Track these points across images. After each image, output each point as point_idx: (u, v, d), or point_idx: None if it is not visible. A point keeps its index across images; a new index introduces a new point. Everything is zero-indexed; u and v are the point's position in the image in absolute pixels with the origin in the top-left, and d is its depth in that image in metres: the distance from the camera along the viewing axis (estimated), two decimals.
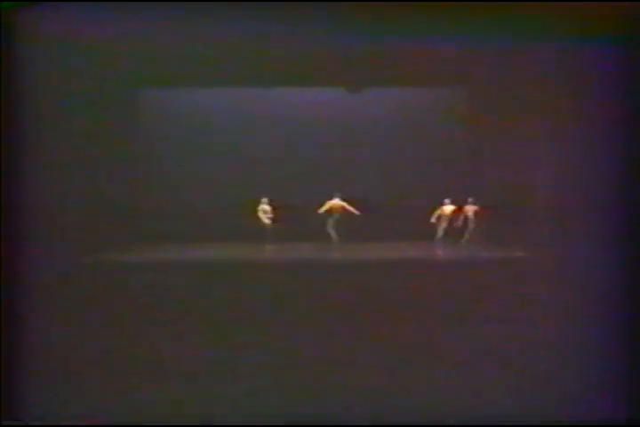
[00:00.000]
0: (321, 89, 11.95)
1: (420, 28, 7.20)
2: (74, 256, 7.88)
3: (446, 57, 8.26)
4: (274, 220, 11.68)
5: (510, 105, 10.19)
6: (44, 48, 6.87)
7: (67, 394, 6.33)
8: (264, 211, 11.71)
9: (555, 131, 8.46)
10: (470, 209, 12.00)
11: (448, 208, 12.11)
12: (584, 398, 6.24)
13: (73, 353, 6.72)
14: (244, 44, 7.85)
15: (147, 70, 9.41)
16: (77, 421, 6.01)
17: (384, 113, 12.33)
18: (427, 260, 10.13)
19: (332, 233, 11.81)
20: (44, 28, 6.75)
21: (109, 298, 7.46)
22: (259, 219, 11.59)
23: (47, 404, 6.18)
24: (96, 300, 7.37)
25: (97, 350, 6.84)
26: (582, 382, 6.45)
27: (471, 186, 12.13)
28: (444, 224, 12.08)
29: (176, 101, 12.35)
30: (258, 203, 11.71)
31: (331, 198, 11.94)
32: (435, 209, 12.10)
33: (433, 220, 11.98)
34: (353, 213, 11.73)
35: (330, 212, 11.93)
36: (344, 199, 11.96)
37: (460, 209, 12.05)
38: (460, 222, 11.98)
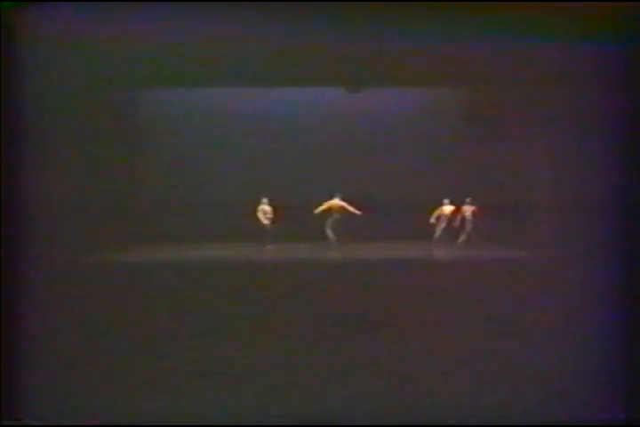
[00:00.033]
0: (321, 89, 11.95)
1: (420, 28, 7.20)
2: (74, 256, 7.87)
3: (446, 57, 8.25)
4: (274, 220, 11.68)
5: (510, 105, 10.19)
6: (44, 48, 6.87)
7: (67, 394, 6.33)
8: (264, 211, 11.71)
9: (554, 131, 8.46)
10: (468, 209, 12.02)
11: (447, 208, 12.13)
12: (584, 398, 6.24)
13: (73, 353, 6.72)
14: (243, 43, 7.84)
15: (147, 70, 9.39)
16: (77, 421, 6.01)
17: (384, 113, 12.33)
18: (421, 260, 10.13)
19: (330, 233, 11.82)
20: (44, 28, 6.74)
21: (109, 298, 7.46)
22: (258, 219, 11.59)
23: (47, 404, 6.18)
24: (96, 300, 7.37)
25: (97, 350, 6.85)
26: (582, 382, 6.45)
27: (471, 186, 12.13)
28: (443, 224, 12.09)
29: (176, 101, 12.34)
30: (258, 203, 11.71)
31: (331, 198, 11.96)
32: (434, 209, 12.12)
33: (432, 220, 11.99)
34: (353, 213, 11.74)
35: (329, 212, 11.94)
36: (344, 199, 11.98)
37: (458, 209, 12.07)
38: (457, 223, 12.00)
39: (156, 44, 7.77)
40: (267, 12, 6.77)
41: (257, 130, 12.28)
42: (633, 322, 6.42)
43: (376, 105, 12.27)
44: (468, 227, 11.97)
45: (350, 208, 11.85)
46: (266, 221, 11.69)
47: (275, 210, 11.76)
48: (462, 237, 11.88)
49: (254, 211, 11.69)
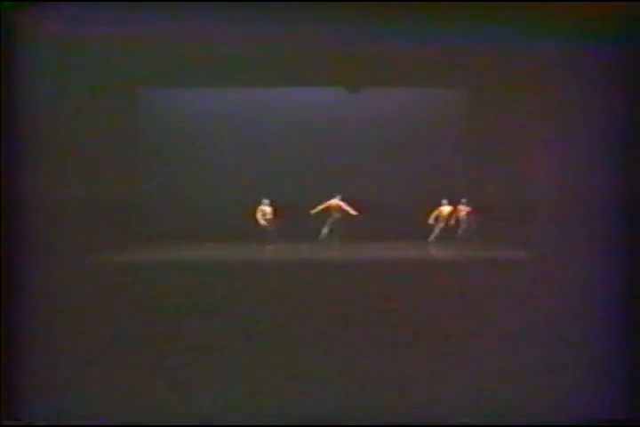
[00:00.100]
0: (321, 89, 11.95)
1: (420, 28, 7.20)
2: (74, 256, 7.87)
3: (446, 57, 8.26)
4: (274, 220, 11.68)
5: (510, 105, 10.19)
6: (45, 48, 6.87)
7: (67, 394, 6.33)
8: (263, 212, 11.71)
9: (554, 131, 8.46)
10: (463, 210, 12.05)
11: (445, 209, 12.16)
12: (584, 398, 6.23)
13: (73, 353, 6.72)
14: (243, 44, 7.84)
15: (147, 70, 9.40)
16: (77, 421, 6.01)
17: (384, 113, 12.33)
18: (416, 260, 10.14)
19: (325, 232, 11.84)
20: (44, 28, 6.74)
21: (109, 298, 7.45)
22: (256, 220, 11.59)
23: (47, 404, 6.18)
24: (96, 300, 7.37)
25: (97, 350, 6.84)
26: (582, 381, 6.45)
27: (470, 187, 12.14)
28: (441, 225, 12.11)
29: (176, 101, 12.34)
30: (258, 203, 11.71)
31: (330, 198, 11.98)
32: (433, 209, 12.14)
33: (430, 221, 12.01)
34: (349, 213, 11.77)
35: (329, 212, 11.96)
36: (344, 199, 11.99)
37: (456, 210, 12.11)
38: (452, 223, 12.05)
39: (156, 44, 7.77)
40: (267, 12, 6.77)
41: (257, 130, 12.28)
42: (633, 322, 6.42)
43: (376, 105, 12.27)
44: (462, 227, 12.00)
45: (348, 208, 11.87)
46: (264, 222, 11.68)
47: (275, 210, 11.76)
48: (457, 238, 11.91)
49: (254, 211, 11.70)
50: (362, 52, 8.26)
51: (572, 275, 7.31)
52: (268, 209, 11.75)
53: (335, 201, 11.99)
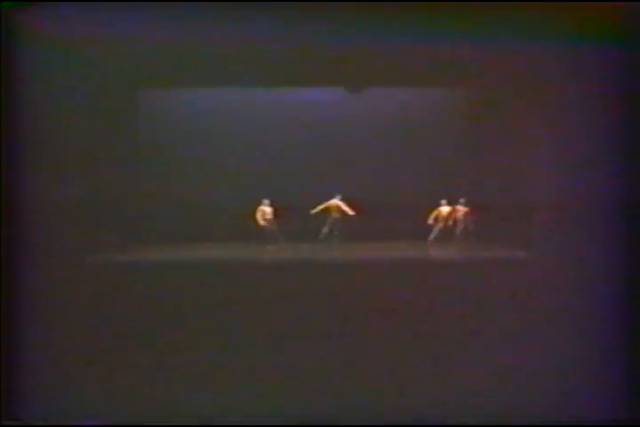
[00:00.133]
0: (321, 89, 11.94)
1: (420, 28, 7.20)
2: (74, 256, 7.86)
3: (446, 57, 8.25)
4: (274, 221, 11.68)
5: (510, 105, 10.18)
6: (45, 48, 6.86)
7: (67, 394, 6.32)
8: (263, 212, 11.71)
9: (554, 131, 8.46)
10: (460, 210, 12.05)
11: (445, 209, 12.16)
12: (584, 398, 6.23)
13: (73, 353, 6.72)
14: (243, 43, 7.83)
15: (147, 70, 9.39)
16: (77, 421, 6.01)
17: (384, 113, 12.32)
18: (414, 260, 10.14)
19: (324, 231, 11.84)
20: (44, 28, 6.74)
21: (109, 298, 7.45)
22: (255, 220, 11.59)
23: (47, 404, 6.18)
24: (96, 300, 7.36)
25: (97, 350, 6.84)
26: (582, 381, 6.45)
27: (470, 187, 12.13)
28: (440, 225, 12.11)
29: (176, 101, 12.32)
30: (259, 203, 11.71)
31: (330, 199, 11.99)
32: (433, 210, 12.14)
33: (430, 221, 12.02)
34: (347, 213, 11.79)
35: (328, 212, 11.98)
36: (343, 199, 12.00)
37: (455, 210, 12.11)
38: (450, 223, 12.06)
39: (156, 44, 7.76)
40: (267, 12, 6.77)
41: (257, 130, 12.27)
42: (634, 322, 6.42)
43: (376, 105, 12.26)
44: (459, 227, 12.00)
45: (346, 208, 11.89)
46: (263, 222, 11.68)
47: (275, 210, 11.75)
48: (455, 238, 11.92)
49: (255, 211, 11.69)
50: (362, 52, 8.25)
51: (571, 275, 7.31)
52: (268, 209, 11.74)
53: (334, 201, 12.00)
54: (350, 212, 11.85)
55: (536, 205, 9.23)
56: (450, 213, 12.10)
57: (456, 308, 7.45)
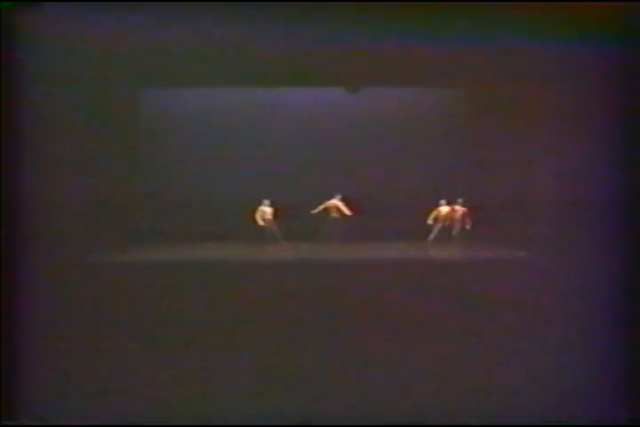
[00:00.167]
0: (321, 89, 11.95)
1: (420, 28, 7.20)
2: (74, 256, 7.86)
3: (446, 57, 8.25)
4: (274, 221, 11.69)
5: (510, 105, 10.19)
6: (45, 48, 6.87)
7: (66, 394, 6.32)
8: (262, 212, 11.72)
9: (554, 131, 8.46)
10: (458, 210, 12.05)
11: (444, 209, 12.17)
12: (584, 398, 6.23)
13: (73, 353, 6.72)
14: (243, 43, 7.84)
15: (147, 70, 9.39)
16: (77, 421, 6.01)
17: (384, 113, 12.32)
18: (413, 260, 10.15)
19: (324, 232, 11.86)
20: (43, 28, 6.74)
21: (109, 298, 7.45)
22: (255, 220, 11.60)
23: (47, 404, 6.18)
24: (96, 300, 7.36)
25: (97, 350, 6.84)
26: (582, 381, 6.45)
27: (469, 187, 12.14)
28: (439, 225, 12.12)
29: (176, 101, 12.33)
30: (258, 203, 11.71)
31: (330, 199, 12.00)
32: (432, 210, 12.15)
33: (429, 221, 12.02)
34: (344, 214, 11.81)
35: (328, 212, 11.99)
36: (343, 199, 12.01)
37: (453, 210, 12.12)
38: (447, 223, 12.07)
39: (156, 44, 7.77)
40: (267, 11, 6.77)
41: (257, 130, 12.28)
42: (633, 322, 6.42)
43: (376, 105, 12.26)
44: (457, 227, 12.01)
45: (343, 208, 11.91)
46: (262, 223, 11.69)
47: (276, 211, 11.76)
48: (452, 238, 11.94)
49: (255, 212, 11.70)
50: (362, 52, 8.25)
51: (571, 275, 7.31)
52: (268, 210, 11.75)
53: (333, 201, 12.01)
54: (347, 212, 11.87)
55: (536, 204, 9.24)
56: (449, 214, 12.11)
57: (456, 308, 7.45)
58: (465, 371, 6.71)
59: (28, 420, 6.03)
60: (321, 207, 11.90)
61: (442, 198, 12.21)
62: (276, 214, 11.75)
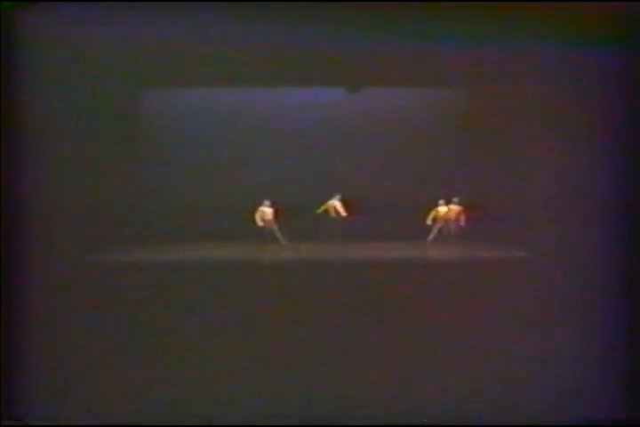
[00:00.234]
0: (321, 89, 11.94)
1: (420, 28, 7.20)
2: (74, 256, 7.86)
3: (446, 57, 8.25)
4: (274, 221, 11.69)
5: (510, 105, 10.18)
6: (45, 48, 6.86)
7: (66, 394, 6.32)
8: (262, 213, 11.71)
9: (554, 131, 8.46)
10: (454, 209, 12.05)
11: (442, 209, 12.17)
12: (584, 398, 6.23)
13: (73, 353, 6.72)
14: (243, 43, 7.84)
15: (147, 70, 9.39)
16: (77, 421, 6.01)
17: (384, 113, 12.31)
18: (412, 260, 10.15)
19: (324, 232, 11.85)
20: (44, 28, 6.74)
21: (109, 298, 7.45)
22: (255, 221, 11.59)
23: (47, 404, 6.18)
24: (96, 300, 7.36)
25: (97, 350, 6.84)
26: (582, 381, 6.44)
27: (469, 187, 12.13)
28: (438, 225, 12.11)
29: (176, 101, 12.32)
30: (258, 204, 11.70)
31: (330, 199, 11.99)
32: (431, 210, 12.14)
33: (428, 221, 12.02)
34: (350, 214, 11.80)
35: (327, 212, 11.99)
36: (343, 199, 12.00)
37: (450, 210, 12.12)
38: (446, 223, 12.06)
39: (156, 44, 7.77)
40: (266, 11, 6.77)
41: (257, 130, 12.27)
42: (633, 322, 6.42)
43: (376, 105, 12.25)
44: (453, 227, 12.01)
45: (340, 209, 11.91)
46: (262, 223, 11.68)
47: (276, 211, 11.75)
48: (444, 236, 11.94)
49: (255, 212, 11.69)
50: (362, 52, 8.25)
51: (570, 275, 7.31)
52: (268, 210, 11.74)
53: (333, 201, 12.01)
54: (343, 213, 11.87)
55: (535, 204, 9.24)
56: (447, 214, 12.12)
57: (455, 307, 7.45)
58: (465, 371, 6.71)
59: (28, 420, 6.03)
60: (324, 207, 11.91)
61: (440, 198, 12.21)
62: (276, 215, 11.74)
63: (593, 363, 6.62)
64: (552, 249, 8.06)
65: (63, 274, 7.25)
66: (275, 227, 11.69)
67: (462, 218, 11.95)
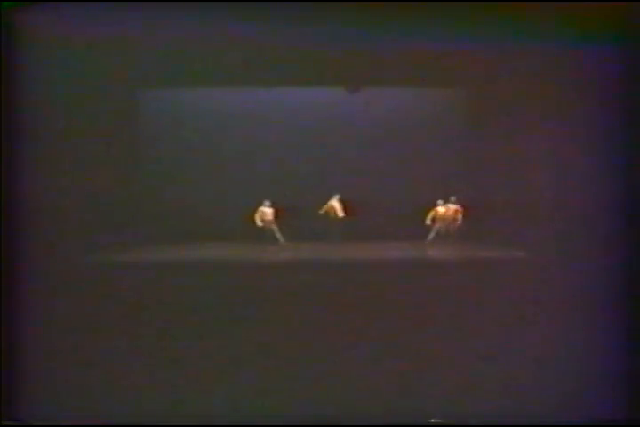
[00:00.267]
0: (321, 89, 11.94)
1: (420, 28, 7.20)
2: (74, 256, 7.86)
3: (446, 57, 8.26)
4: (273, 221, 11.69)
5: (510, 105, 10.19)
6: (44, 48, 6.87)
7: (66, 394, 6.32)
8: (262, 213, 11.72)
9: (554, 131, 8.46)
10: (451, 208, 12.05)
11: (441, 209, 12.17)
12: (584, 398, 6.23)
13: (73, 353, 6.72)
14: (243, 44, 7.84)
15: (147, 70, 9.39)
16: (77, 421, 6.01)
17: (384, 113, 12.32)
18: (412, 260, 10.17)
19: (325, 232, 11.86)
20: (43, 28, 6.74)
21: (109, 298, 7.45)
22: (254, 221, 11.60)
23: (47, 404, 6.18)
24: (96, 300, 7.36)
25: (97, 350, 6.84)
26: (582, 381, 6.45)
27: (467, 186, 12.14)
28: (437, 225, 12.12)
29: (176, 101, 12.32)
30: (258, 204, 11.71)
31: (330, 199, 12.01)
32: (430, 210, 12.15)
33: (428, 221, 12.02)
34: (346, 214, 11.83)
35: (327, 213, 12.01)
36: (343, 200, 12.02)
37: (448, 209, 12.13)
38: (445, 223, 12.07)
39: (156, 44, 7.77)
40: (267, 12, 6.77)
41: (257, 130, 12.27)
42: (633, 322, 6.42)
43: (376, 105, 12.26)
44: (451, 226, 12.02)
45: (338, 210, 11.92)
46: (261, 223, 11.69)
47: (276, 211, 11.76)
48: (440, 235, 11.96)
49: (255, 212, 11.70)
50: (362, 52, 8.25)
51: (570, 275, 7.31)
52: (268, 210, 11.74)
53: (332, 202, 12.02)
54: (340, 213, 11.88)
55: (535, 204, 9.24)
56: (445, 213, 12.12)
57: (455, 308, 7.45)
58: (465, 370, 6.71)
59: (28, 420, 6.03)
60: (325, 208, 11.93)
61: (439, 199, 12.21)
62: (276, 215, 11.75)
63: (593, 363, 6.62)
64: (551, 248, 8.06)
65: (63, 274, 7.25)
66: (275, 227, 11.70)
67: (460, 217, 11.97)
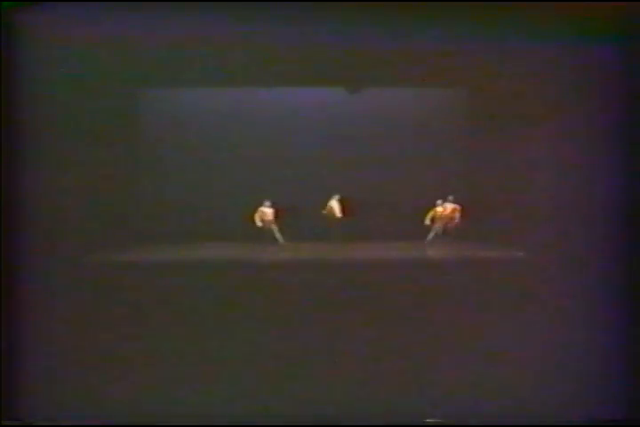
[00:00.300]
0: (321, 89, 11.94)
1: (420, 28, 7.20)
2: (74, 256, 7.87)
3: (446, 57, 8.26)
4: (273, 222, 11.70)
5: (510, 105, 10.19)
6: (44, 48, 6.87)
7: (66, 394, 6.32)
8: (262, 213, 11.72)
9: (554, 131, 8.47)
10: (449, 207, 12.05)
11: (440, 209, 12.17)
12: (584, 398, 6.23)
13: (73, 353, 6.72)
14: (243, 44, 7.85)
15: (147, 70, 9.39)
16: (77, 421, 6.01)
17: (384, 113, 12.32)
18: (412, 260, 10.17)
19: (325, 232, 11.87)
20: (44, 28, 6.74)
21: (109, 298, 7.45)
22: (254, 221, 11.61)
23: (47, 404, 6.18)
24: (96, 300, 7.37)
25: (97, 350, 6.84)
26: (582, 382, 6.45)
27: (468, 187, 12.15)
28: (436, 225, 12.12)
29: (176, 102, 12.33)
30: (259, 204, 11.70)
31: (330, 199, 12.01)
32: (429, 210, 12.15)
33: (427, 221, 12.02)
34: (346, 214, 11.83)
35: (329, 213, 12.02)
36: (343, 200, 12.02)
37: (447, 209, 12.13)
38: (443, 222, 12.08)
39: (156, 44, 7.77)
40: (267, 11, 6.77)
41: (257, 130, 12.28)
42: (633, 322, 6.43)
43: (376, 105, 12.26)
44: (450, 225, 12.02)
45: (336, 210, 11.92)
46: (261, 224, 11.69)
47: (277, 211, 11.76)
48: (448, 236, 11.96)
49: (255, 212, 11.70)
50: (362, 52, 8.26)
51: (569, 275, 7.32)
52: (268, 210, 11.74)
53: (332, 202, 12.02)
54: (338, 214, 11.88)
55: (534, 204, 9.25)
56: (444, 212, 12.12)
57: (455, 308, 7.46)
58: (465, 370, 6.71)
59: (28, 420, 6.03)
60: (327, 208, 11.94)
61: (438, 198, 12.21)
62: (276, 215, 11.74)
63: (593, 363, 6.62)
64: (551, 248, 8.06)
65: (63, 274, 7.25)
66: (274, 227, 11.71)
67: (457, 215, 11.97)
